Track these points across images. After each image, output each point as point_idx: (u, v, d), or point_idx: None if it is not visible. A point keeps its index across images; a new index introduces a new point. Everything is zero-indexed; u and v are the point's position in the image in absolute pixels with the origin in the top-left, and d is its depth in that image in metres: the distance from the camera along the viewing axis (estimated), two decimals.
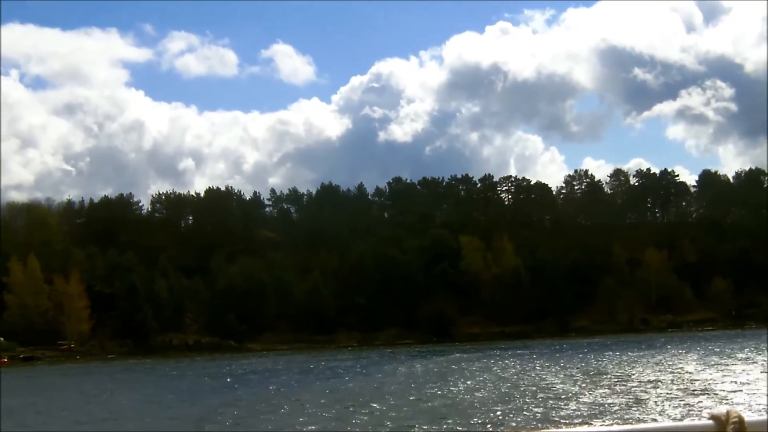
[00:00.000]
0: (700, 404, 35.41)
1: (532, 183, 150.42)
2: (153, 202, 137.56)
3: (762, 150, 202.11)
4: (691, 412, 33.43)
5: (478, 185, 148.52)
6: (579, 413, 34.50)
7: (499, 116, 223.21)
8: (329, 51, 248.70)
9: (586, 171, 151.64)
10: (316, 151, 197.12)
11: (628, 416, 33.81)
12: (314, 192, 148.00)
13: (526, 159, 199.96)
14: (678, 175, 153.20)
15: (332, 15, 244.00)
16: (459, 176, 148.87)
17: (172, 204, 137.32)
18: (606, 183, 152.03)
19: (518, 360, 72.80)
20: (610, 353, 75.24)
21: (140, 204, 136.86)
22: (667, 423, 3.45)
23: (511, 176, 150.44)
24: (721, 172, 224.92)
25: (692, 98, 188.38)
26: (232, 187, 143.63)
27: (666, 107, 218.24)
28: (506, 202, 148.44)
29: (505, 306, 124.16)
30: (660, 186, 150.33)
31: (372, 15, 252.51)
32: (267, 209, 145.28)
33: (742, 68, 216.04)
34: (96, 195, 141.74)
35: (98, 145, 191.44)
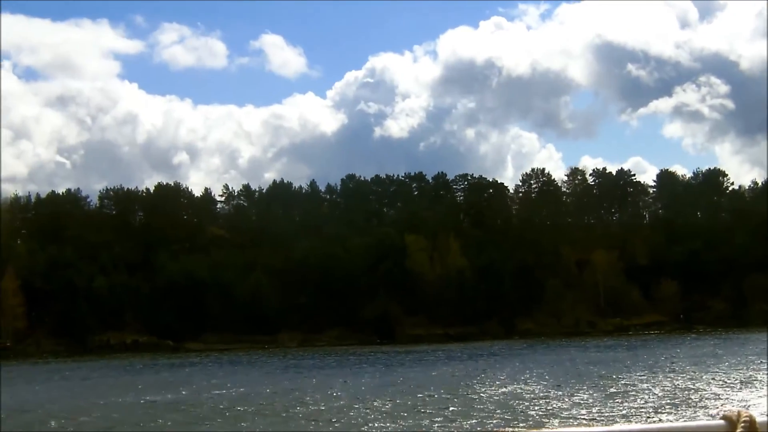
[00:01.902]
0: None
1: (488, 181, 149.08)
2: (101, 198, 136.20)
3: (759, 148, 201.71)
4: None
5: (432, 183, 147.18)
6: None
7: (494, 112, 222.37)
8: (321, 43, 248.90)
9: (543, 169, 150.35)
10: (311, 146, 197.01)
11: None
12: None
13: (523, 156, 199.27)
14: (634, 175, 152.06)
15: (324, 6, 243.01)
16: (413, 174, 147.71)
17: (121, 200, 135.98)
18: (563, 182, 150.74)
19: (447, 364, 72.24)
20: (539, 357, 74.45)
21: (88, 200, 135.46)
22: (679, 423, 2.93)
23: (467, 174, 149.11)
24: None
25: (687, 95, 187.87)
26: (180, 183, 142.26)
27: (662, 104, 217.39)
28: (459, 201, 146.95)
29: (450, 307, 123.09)
30: (617, 186, 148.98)
31: (365, 8, 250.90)
32: (219, 206, 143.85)
33: (737, 65, 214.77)
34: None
35: (92, 138, 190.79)
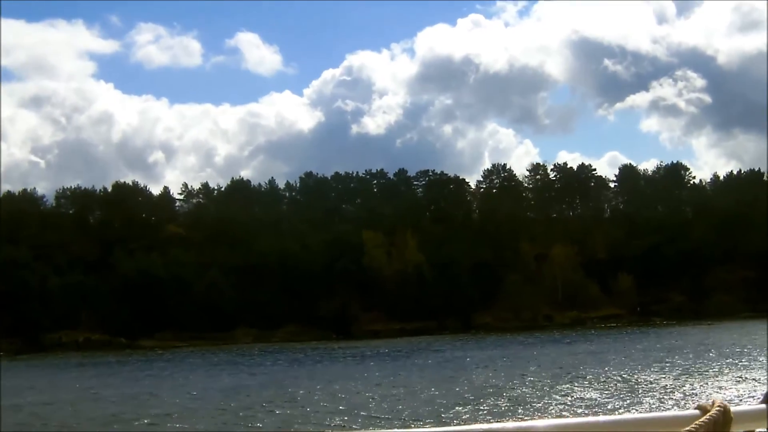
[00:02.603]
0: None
1: (450, 177, 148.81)
2: (57, 197, 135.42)
3: (735, 142, 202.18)
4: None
5: (393, 179, 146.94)
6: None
7: (471, 109, 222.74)
8: (297, 41, 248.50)
9: (504, 165, 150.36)
10: (288, 144, 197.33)
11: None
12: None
13: (500, 152, 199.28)
14: (595, 170, 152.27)
15: (299, 4, 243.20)
16: (374, 170, 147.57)
17: (78, 199, 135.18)
18: (525, 177, 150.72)
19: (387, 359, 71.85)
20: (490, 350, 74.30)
21: (44, 199, 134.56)
22: (653, 413, 3.06)
23: (428, 170, 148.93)
24: (695, 165, 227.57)
25: (664, 89, 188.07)
26: (137, 182, 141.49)
27: (639, 98, 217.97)
28: (419, 197, 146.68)
29: (407, 302, 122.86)
30: (579, 180, 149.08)
31: (341, 6, 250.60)
32: (178, 204, 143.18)
33: (714, 60, 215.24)
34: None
35: (67, 138, 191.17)
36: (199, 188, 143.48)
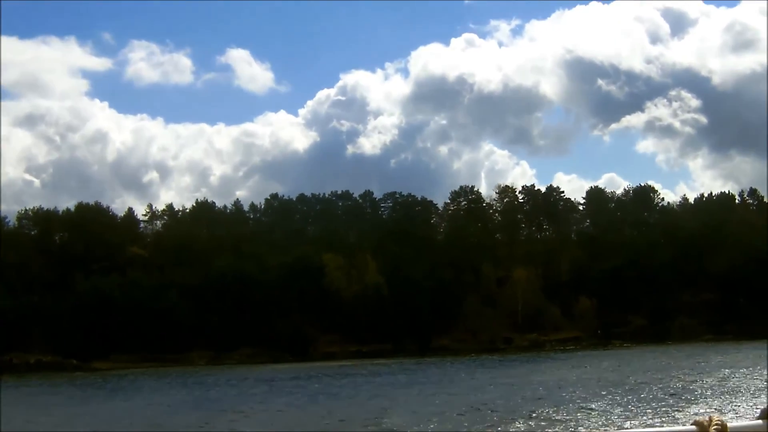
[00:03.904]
0: None
1: (417, 199, 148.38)
2: (19, 218, 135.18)
3: (732, 163, 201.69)
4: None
5: (359, 201, 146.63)
6: None
7: (466, 129, 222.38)
8: (289, 58, 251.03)
9: (472, 187, 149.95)
10: (282, 164, 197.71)
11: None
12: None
13: (496, 173, 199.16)
14: (563, 192, 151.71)
15: (292, 21, 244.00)
16: (339, 192, 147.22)
17: (40, 220, 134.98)
18: (493, 199, 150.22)
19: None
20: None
21: (6, 220, 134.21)
22: (651, 429, 3.80)
23: (395, 192, 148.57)
24: (692, 186, 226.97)
25: (659, 110, 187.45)
26: (101, 202, 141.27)
27: (634, 119, 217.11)
28: (384, 219, 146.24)
29: (365, 324, 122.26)
30: (547, 203, 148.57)
31: (335, 24, 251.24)
32: (143, 225, 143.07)
33: (709, 81, 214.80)
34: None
35: (61, 157, 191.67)
36: (163, 209, 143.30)
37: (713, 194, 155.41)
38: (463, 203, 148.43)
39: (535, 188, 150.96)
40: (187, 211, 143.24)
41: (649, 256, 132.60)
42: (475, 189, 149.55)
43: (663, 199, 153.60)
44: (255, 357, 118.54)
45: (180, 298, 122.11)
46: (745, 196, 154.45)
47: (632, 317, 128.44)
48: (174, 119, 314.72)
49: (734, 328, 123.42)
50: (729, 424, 2.83)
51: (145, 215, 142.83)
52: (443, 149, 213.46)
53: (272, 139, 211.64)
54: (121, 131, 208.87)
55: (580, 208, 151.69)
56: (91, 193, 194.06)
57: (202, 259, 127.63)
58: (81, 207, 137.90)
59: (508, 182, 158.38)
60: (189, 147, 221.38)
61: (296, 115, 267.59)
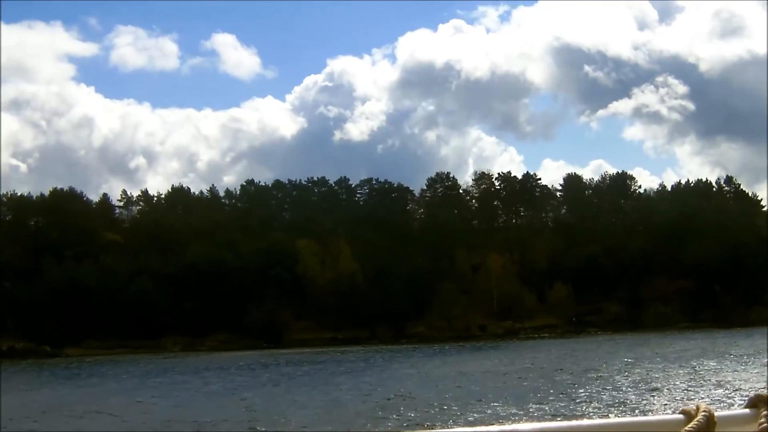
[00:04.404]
0: None
1: (393, 185, 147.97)
2: None
3: (719, 150, 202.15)
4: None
5: (335, 188, 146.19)
6: None
7: (454, 115, 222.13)
8: (276, 43, 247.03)
9: (448, 173, 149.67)
10: (270, 150, 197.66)
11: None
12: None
13: (484, 160, 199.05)
14: (540, 179, 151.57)
15: (280, 6, 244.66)
16: (315, 178, 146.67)
17: (14, 205, 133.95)
18: (470, 186, 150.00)
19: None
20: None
21: None
22: (638, 418, 3.07)
23: (371, 178, 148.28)
24: (680, 173, 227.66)
25: (646, 96, 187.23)
26: (74, 188, 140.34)
27: (621, 105, 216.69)
28: (360, 205, 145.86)
29: (340, 311, 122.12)
30: (524, 189, 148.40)
31: (322, 10, 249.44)
32: (118, 211, 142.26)
33: (696, 68, 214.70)
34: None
35: (47, 142, 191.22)
36: (138, 195, 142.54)
37: (690, 182, 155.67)
38: (439, 190, 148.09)
39: (512, 175, 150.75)
40: (162, 197, 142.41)
41: (626, 244, 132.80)
42: (451, 176, 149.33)
43: (640, 186, 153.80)
44: (229, 344, 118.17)
45: (154, 285, 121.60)
46: (722, 183, 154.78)
47: (608, 305, 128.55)
48: (161, 104, 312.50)
49: (709, 315, 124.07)
50: (716, 413, 2.78)
51: (120, 200, 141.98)
52: (431, 135, 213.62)
53: (259, 125, 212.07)
54: (107, 116, 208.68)
55: (558, 194, 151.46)
56: (78, 179, 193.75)
57: (177, 246, 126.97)
58: (55, 193, 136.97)
59: (496, 168, 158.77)
60: (176, 132, 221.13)
61: (283, 100, 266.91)
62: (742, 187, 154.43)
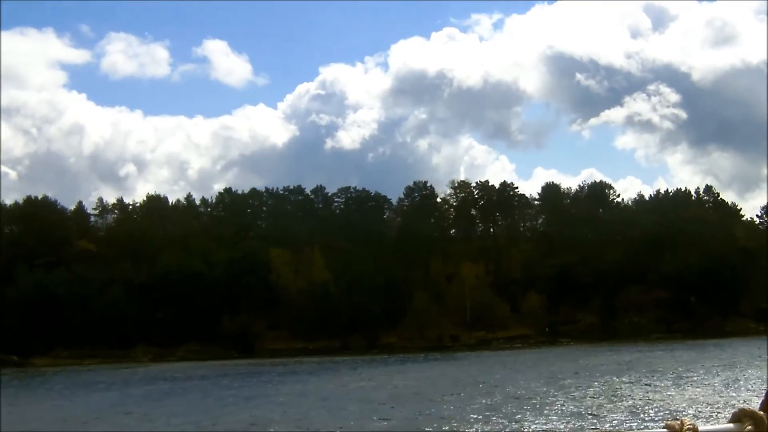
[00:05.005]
0: None
1: (371, 194, 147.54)
2: None
3: (710, 159, 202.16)
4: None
5: (311, 196, 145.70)
6: None
7: (446, 123, 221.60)
8: (268, 50, 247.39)
9: (425, 182, 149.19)
10: (261, 157, 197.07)
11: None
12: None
13: (475, 168, 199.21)
14: (517, 188, 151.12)
15: (272, 13, 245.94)
16: (291, 187, 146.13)
17: None
18: (448, 195, 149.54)
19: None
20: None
21: None
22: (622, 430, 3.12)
23: (348, 187, 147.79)
24: (671, 182, 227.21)
25: (638, 104, 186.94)
26: (49, 196, 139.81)
27: (613, 114, 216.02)
28: (336, 214, 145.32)
29: (312, 321, 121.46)
30: (502, 198, 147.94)
31: (315, 17, 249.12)
32: (93, 219, 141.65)
33: (689, 77, 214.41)
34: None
35: (38, 149, 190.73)
36: (114, 204, 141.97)
37: (670, 191, 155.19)
38: (417, 199, 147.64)
39: (489, 183, 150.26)
40: (137, 205, 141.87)
41: (602, 254, 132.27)
42: (428, 184, 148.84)
43: (619, 195, 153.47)
44: (200, 353, 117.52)
45: (125, 294, 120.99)
46: (701, 192, 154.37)
47: (582, 314, 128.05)
48: (152, 111, 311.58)
49: (684, 326, 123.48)
50: (701, 428, 2.81)
51: (95, 209, 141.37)
52: (422, 143, 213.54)
53: (251, 133, 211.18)
54: (98, 124, 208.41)
55: (535, 203, 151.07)
56: (68, 186, 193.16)
57: (150, 255, 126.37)
58: (29, 201, 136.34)
59: (487, 177, 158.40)
60: (167, 140, 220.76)
61: (275, 108, 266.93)
62: (721, 196, 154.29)
